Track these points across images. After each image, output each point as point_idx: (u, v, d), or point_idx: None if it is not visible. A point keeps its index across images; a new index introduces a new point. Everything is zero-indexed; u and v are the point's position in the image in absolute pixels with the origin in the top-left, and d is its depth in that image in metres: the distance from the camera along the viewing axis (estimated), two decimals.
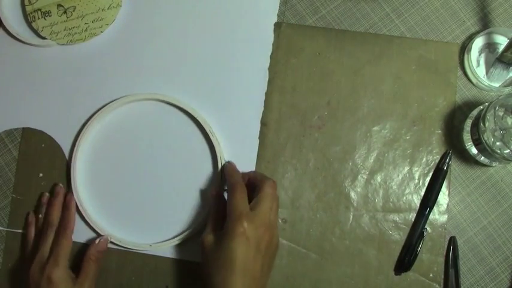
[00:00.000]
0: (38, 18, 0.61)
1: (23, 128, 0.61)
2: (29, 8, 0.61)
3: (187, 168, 0.60)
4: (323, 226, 0.60)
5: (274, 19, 0.62)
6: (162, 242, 0.59)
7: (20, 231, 0.60)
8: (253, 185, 0.56)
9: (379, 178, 0.61)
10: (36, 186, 0.60)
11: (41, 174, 0.60)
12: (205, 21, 0.62)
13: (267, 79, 0.61)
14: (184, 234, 0.59)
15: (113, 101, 0.60)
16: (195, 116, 0.60)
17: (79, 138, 0.59)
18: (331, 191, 0.61)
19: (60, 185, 0.60)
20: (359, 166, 0.61)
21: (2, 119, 0.61)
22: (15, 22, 0.62)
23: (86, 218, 0.59)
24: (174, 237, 0.59)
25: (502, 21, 0.63)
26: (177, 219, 0.60)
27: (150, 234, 0.59)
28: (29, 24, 0.61)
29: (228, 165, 0.59)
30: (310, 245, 0.60)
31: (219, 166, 0.59)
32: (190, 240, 0.59)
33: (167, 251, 0.59)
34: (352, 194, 0.61)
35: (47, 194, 0.60)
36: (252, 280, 0.50)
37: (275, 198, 0.54)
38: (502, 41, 0.61)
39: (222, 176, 0.59)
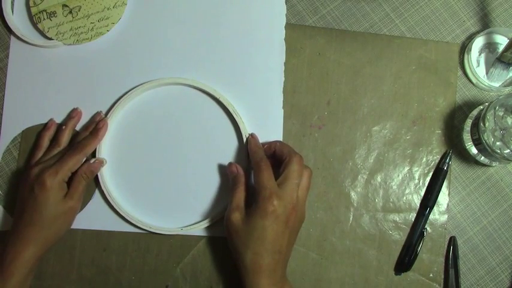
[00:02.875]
0: (44, 19, 0.61)
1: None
2: (34, 10, 0.61)
3: (214, 149, 0.61)
4: (323, 226, 0.60)
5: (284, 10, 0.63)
6: (193, 224, 0.59)
7: None
8: (280, 157, 0.57)
9: (379, 178, 0.61)
10: None
11: None
12: (215, 9, 0.62)
13: (285, 49, 0.62)
14: (214, 215, 0.59)
15: (133, 88, 0.60)
16: (217, 97, 0.60)
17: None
18: (331, 191, 0.61)
19: (102, 114, 0.60)
20: (359, 166, 0.61)
21: (23, 117, 0.61)
22: (21, 24, 0.62)
23: (115, 206, 0.59)
24: (204, 220, 0.59)
25: (502, 21, 0.63)
26: (206, 201, 0.60)
27: (179, 217, 0.60)
28: (34, 25, 0.61)
29: (252, 141, 0.59)
30: (310, 245, 0.60)
31: (245, 145, 0.60)
32: (220, 220, 0.59)
33: (196, 232, 0.60)
34: (352, 194, 0.61)
35: (79, 109, 0.60)
36: (279, 254, 0.53)
37: (301, 174, 0.54)
38: (502, 41, 0.62)
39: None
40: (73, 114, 0.60)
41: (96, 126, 0.59)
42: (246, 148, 0.59)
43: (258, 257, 0.52)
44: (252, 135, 0.59)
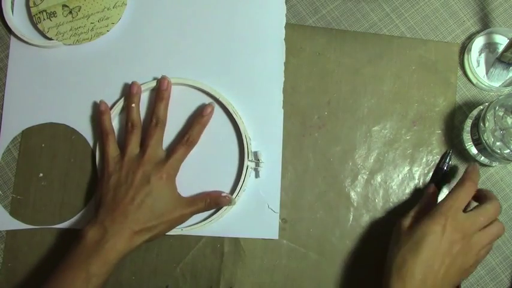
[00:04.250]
0: (44, 19, 0.61)
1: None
2: (34, 10, 0.61)
3: (213, 149, 0.60)
4: (323, 226, 0.60)
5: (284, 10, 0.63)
6: (193, 225, 0.59)
7: (20, 228, 0.60)
8: (478, 197, 0.55)
9: (379, 178, 0.61)
10: (36, 186, 0.60)
11: (41, 174, 0.60)
12: (214, 9, 0.62)
13: (285, 49, 0.62)
14: (214, 215, 0.59)
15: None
16: (217, 97, 0.60)
17: None
18: (331, 191, 0.61)
19: (169, 78, 0.59)
20: (359, 166, 0.61)
21: (23, 117, 0.61)
22: (21, 24, 0.62)
23: None
24: (204, 220, 0.59)
25: (502, 21, 0.63)
26: None
27: None
28: (34, 25, 0.61)
29: (475, 167, 0.55)
30: (310, 245, 0.60)
31: (244, 145, 0.59)
32: (217, 219, 0.59)
33: (196, 232, 0.60)
34: (352, 194, 0.61)
35: (138, 83, 0.59)
36: (431, 275, 0.49)
37: (491, 219, 0.52)
38: (502, 41, 0.62)
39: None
40: (135, 90, 0.59)
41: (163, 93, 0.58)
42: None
43: (407, 264, 0.49)
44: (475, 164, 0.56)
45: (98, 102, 0.60)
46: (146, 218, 0.54)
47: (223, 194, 0.58)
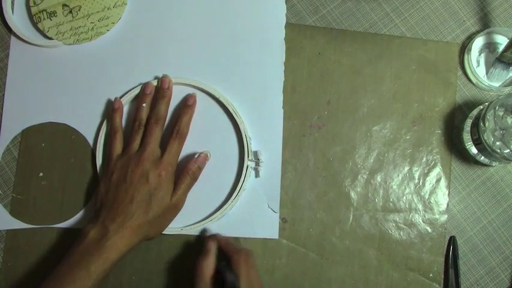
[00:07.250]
0: (44, 18, 0.61)
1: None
2: (34, 9, 0.61)
3: (214, 149, 0.60)
4: (323, 226, 0.60)
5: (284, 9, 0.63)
6: (193, 224, 0.59)
7: (20, 228, 0.60)
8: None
9: (379, 178, 0.61)
10: (36, 186, 0.60)
11: (41, 174, 0.60)
12: (215, 9, 0.63)
13: (285, 49, 0.62)
14: (214, 215, 0.59)
15: (133, 88, 0.61)
16: (217, 97, 0.60)
17: (103, 127, 0.60)
18: (331, 191, 0.61)
19: (170, 77, 0.59)
20: (359, 166, 0.61)
21: (23, 117, 0.61)
22: (21, 24, 0.62)
23: None
24: (204, 220, 0.59)
25: (502, 21, 0.63)
26: (205, 201, 0.60)
27: (179, 217, 0.59)
28: (35, 25, 0.62)
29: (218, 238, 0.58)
30: (310, 245, 0.60)
31: (244, 144, 0.59)
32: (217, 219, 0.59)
33: (196, 232, 0.60)
34: (352, 194, 0.61)
35: (153, 83, 0.60)
36: None
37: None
38: (502, 41, 0.62)
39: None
40: (148, 90, 0.59)
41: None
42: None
43: None
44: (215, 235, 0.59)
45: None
46: (144, 214, 0.54)
47: (195, 157, 0.58)
